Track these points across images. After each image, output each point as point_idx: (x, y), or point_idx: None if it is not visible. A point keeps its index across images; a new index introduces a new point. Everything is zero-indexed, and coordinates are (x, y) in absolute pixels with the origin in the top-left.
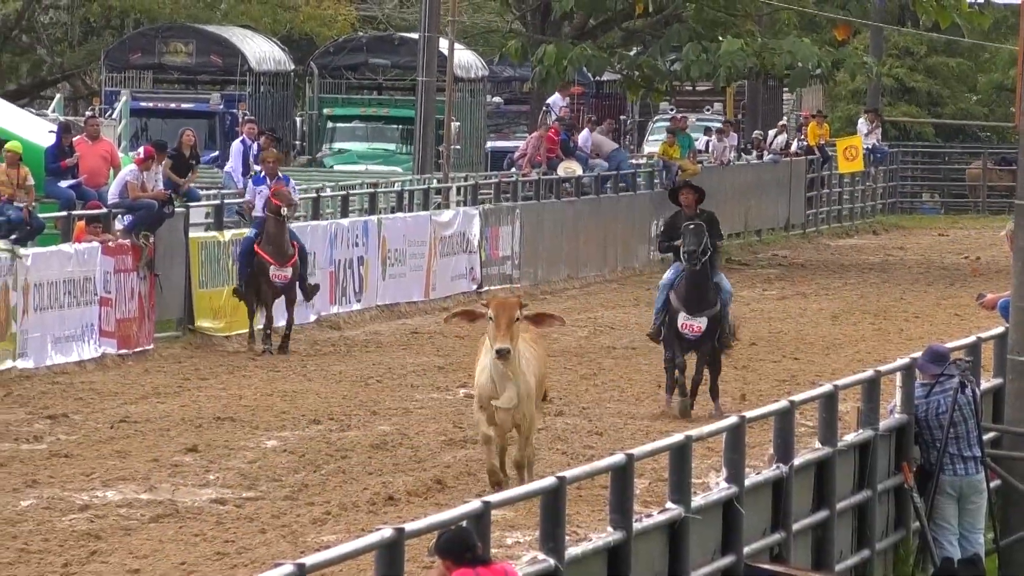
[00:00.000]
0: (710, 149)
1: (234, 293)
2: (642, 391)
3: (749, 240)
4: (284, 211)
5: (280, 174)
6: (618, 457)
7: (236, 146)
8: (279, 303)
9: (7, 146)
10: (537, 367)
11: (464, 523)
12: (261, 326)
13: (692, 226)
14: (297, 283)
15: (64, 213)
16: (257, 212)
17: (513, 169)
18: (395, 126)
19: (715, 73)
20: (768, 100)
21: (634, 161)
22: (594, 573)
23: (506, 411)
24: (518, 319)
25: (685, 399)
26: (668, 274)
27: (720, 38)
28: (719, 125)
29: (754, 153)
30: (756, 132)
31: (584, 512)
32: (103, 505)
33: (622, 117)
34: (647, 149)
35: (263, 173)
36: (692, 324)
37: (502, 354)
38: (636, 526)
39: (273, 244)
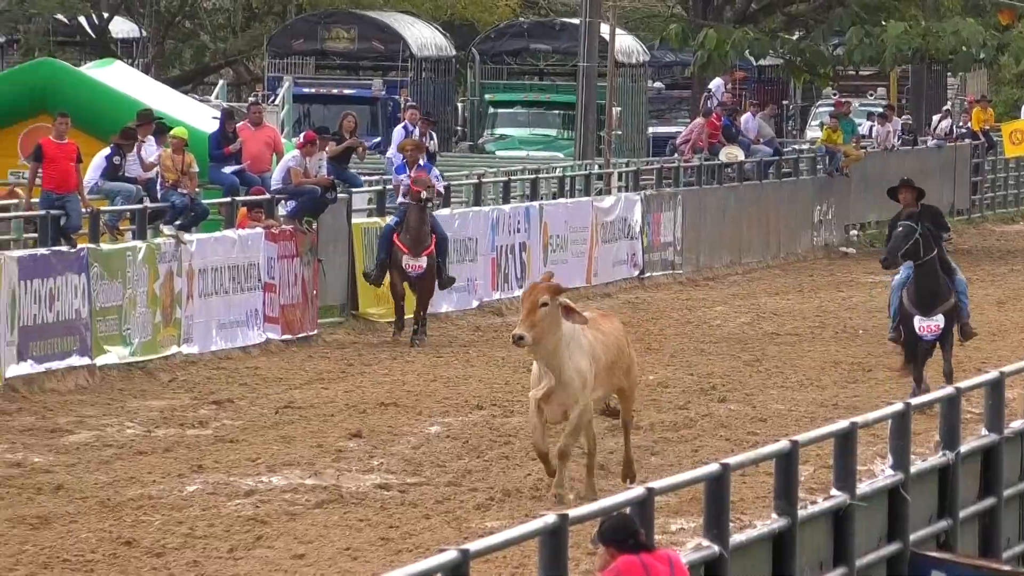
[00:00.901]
0: (873, 134)
1: (364, 276)
2: (806, 377)
3: None
4: (424, 195)
5: (422, 161)
6: (783, 444)
7: (398, 132)
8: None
9: (172, 132)
10: (604, 352)
11: (627, 510)
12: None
13: (900, 228)
14: (433, 273)
15: (227, 199)
16: (400, 199)
17: (675, 155)
18: (556, 112)
19: (879, 57)
20: (932, 85)
21: (797, 147)
22: (759, 560)
23: (546, 401)
24: (545, 304)
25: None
26: (899, 275)
27: (884, 22)
28: (882, 110)
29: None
30: (904, 118)
31: (748, 499)
32: (268, 490)
33: (784, 102)
34: (809, 134)
35: (404, 161)
36: (929, 325)
37: (516, 341)
38: (801, 513)
39: (411, 233)
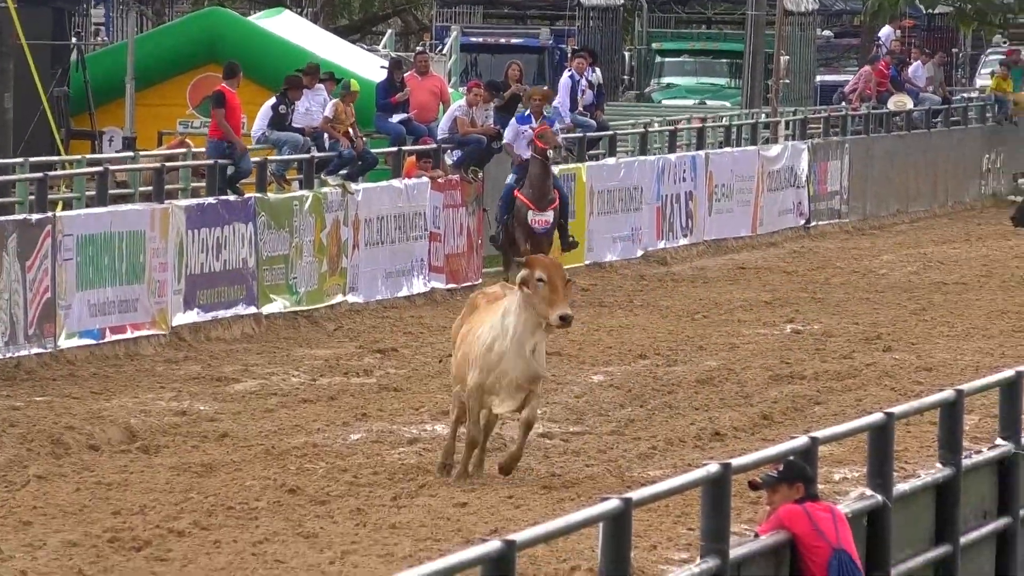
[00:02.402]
0: None
1: (491, 241)
2: (972, 327)
3: None
4: (551, 154)
5: (545, 113)
6: (947, 393)
7: (564, 80)
8: None
9: (351, 85)
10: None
11: (791, 458)
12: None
13: None
14: (557, 231)
15: (394, 149)
16: (521, 153)
17: (843, 103)
18: (724, 60)
19: None
20: None
21: (966, 95)
22: (922, 509)
23: (512, 409)
24: (570, 280)
25: None
26: None
27: None
28: None
29: None
30: None
31: (913, 448)
32: (431, 439)
33: (954, 50)
34: (979, 83)
35: (528, 112)
36: None
37: (568, 321)
38: (965, 463)
39: (534, 188)
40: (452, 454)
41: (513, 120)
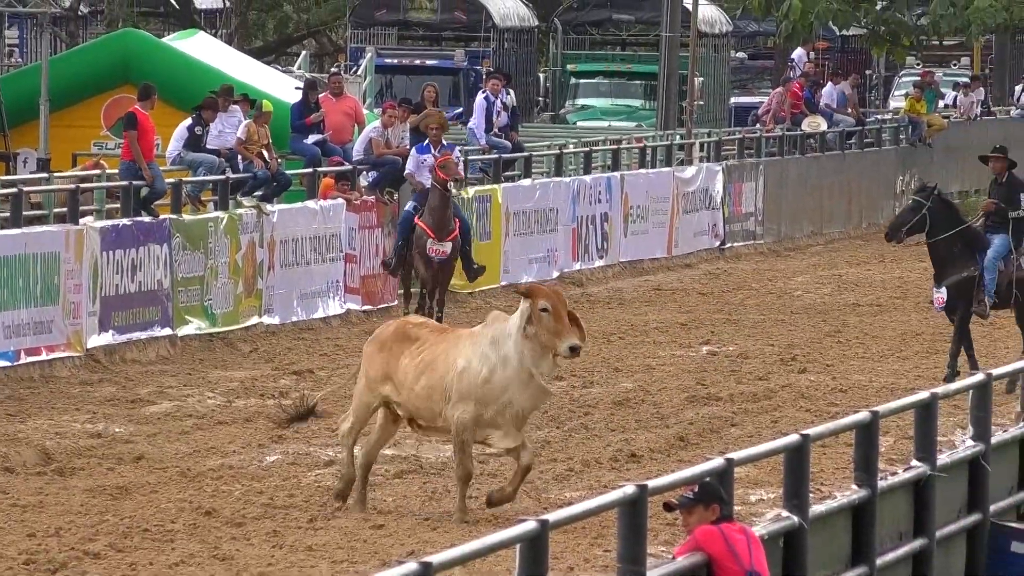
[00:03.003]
0: (957, 104)
1: (383, 266)
2: (887, 348)
3: None
4: (451, 186)
5: (445, 142)
6: (863, 414)
7: (479, 101)
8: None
9: (264, 105)
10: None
11: (707, 480)
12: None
13: (910, 202)
14: (459, 262)
15: (309, 170)
16: (423, 180)
17: (757, 125)
18: (638, 82)
19: (966, 28)
20: (1016, 55)
21: (879, 117)
22: (838, 531)
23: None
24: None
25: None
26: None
27: None
28: (966, 80)
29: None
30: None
31: (829, 470)
32: None
33: (867, 72)
34: (893, 104)
35: (427, 141)
36: (938, 297)
37: (577, 352)
38: (881, 484)
39: (435, 217)
40: (352, 482)
41: (413, 150)
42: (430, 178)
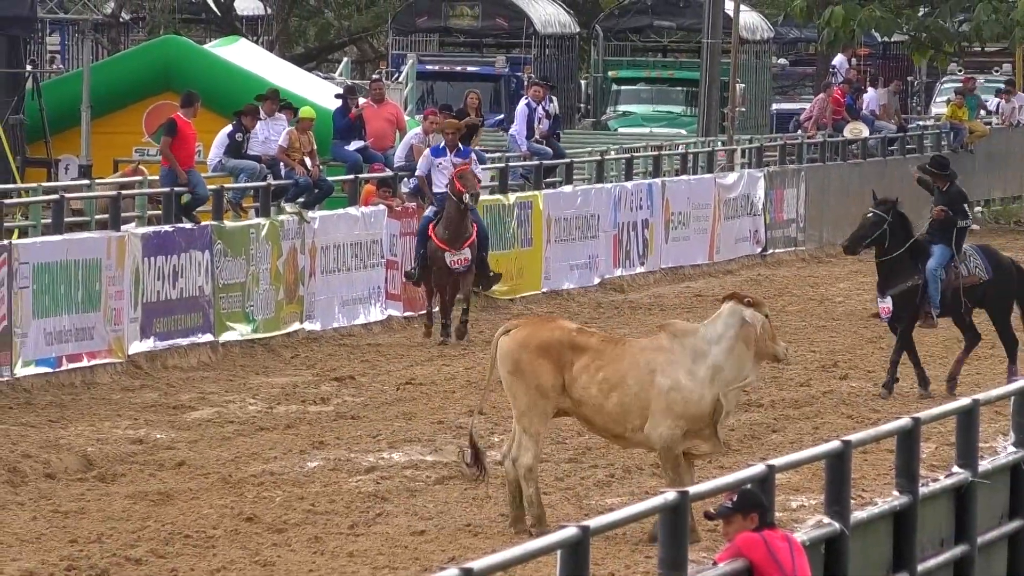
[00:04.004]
0: (999, 110)
1: (406, 276)
2: (928, 354)
3: None
4: (467, 199)
5: (461, 146)
6: (904, 421)
7: (521, 108)
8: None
9: (301, 112)
10: None
11: (746, 488)
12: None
13: (870, 215)
14: (476, 267)
15: (351, 176)
16: (437, 188)
17: (799, 131)
18: (680, 88)
19: (1008, 34)
20: None
21: (921, 123)
22: (879, 537)
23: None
24: None
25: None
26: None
27: None
28: (1004, 86)
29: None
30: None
31: (870, 476)
32: (389, 467)
33: (909, 78)
34: (935, 111)
35: (443, 144)
36: (884, 307)
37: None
38: (922, 490)
39: (450, 229)
40: (543, 519)
41: (427, 151)
42: (446, 183)
